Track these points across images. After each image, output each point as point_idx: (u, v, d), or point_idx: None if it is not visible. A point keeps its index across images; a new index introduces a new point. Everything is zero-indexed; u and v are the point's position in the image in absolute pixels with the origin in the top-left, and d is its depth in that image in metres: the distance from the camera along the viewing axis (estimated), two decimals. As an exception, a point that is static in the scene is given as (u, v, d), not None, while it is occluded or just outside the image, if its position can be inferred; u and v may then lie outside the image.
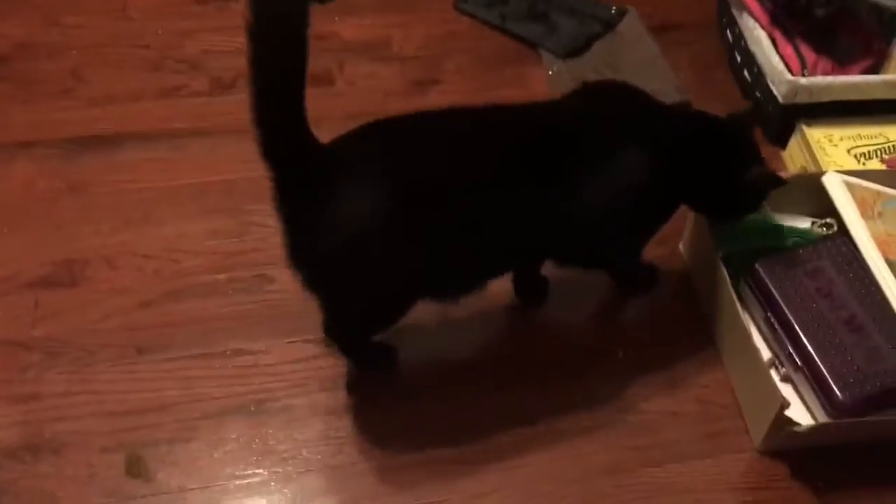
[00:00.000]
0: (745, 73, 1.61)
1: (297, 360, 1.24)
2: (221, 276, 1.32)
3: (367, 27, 1.75)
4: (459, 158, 1.05)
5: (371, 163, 1.04)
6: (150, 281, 1.31)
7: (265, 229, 1.39)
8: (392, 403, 1.20)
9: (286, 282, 1.31)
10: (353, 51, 1.69)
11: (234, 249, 1.36)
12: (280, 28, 0.96)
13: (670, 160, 1.14)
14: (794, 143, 1.53)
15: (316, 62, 1.70)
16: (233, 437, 1.16)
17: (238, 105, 1.55)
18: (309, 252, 1.05)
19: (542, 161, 1.07)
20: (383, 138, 1.06)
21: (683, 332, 1.30)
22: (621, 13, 1.78)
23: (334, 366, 1.23)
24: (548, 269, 1.32)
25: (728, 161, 1.17)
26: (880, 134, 1.51)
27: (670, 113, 1.21)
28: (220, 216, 1.40)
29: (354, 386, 1.21)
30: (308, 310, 1.28)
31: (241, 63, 1.61)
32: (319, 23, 1.73)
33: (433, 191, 1.02)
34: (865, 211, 1.31)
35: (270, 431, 1.16)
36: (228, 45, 1.67)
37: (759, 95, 1.56)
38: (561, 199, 1.08)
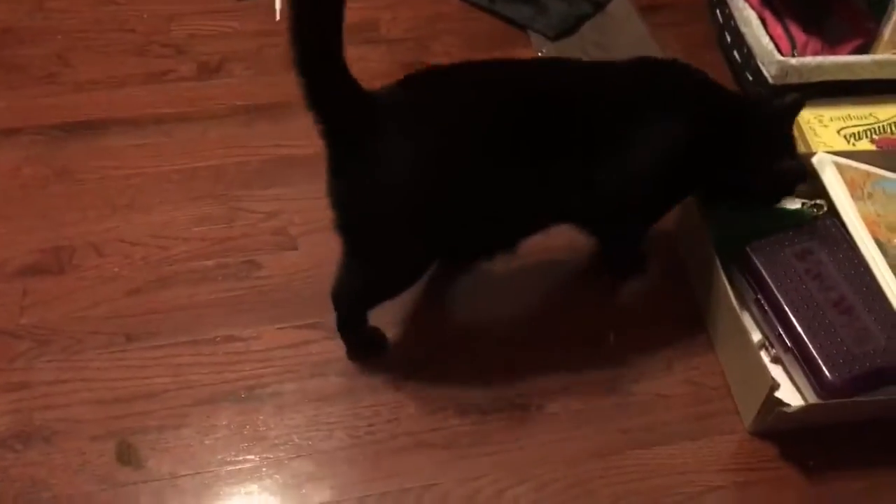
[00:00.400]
0: (735, 53, 1.61)
1: (287, 346, 1.23)
2: (210, 263, 1.32)
3: (354, 9, 1.71)
4: (500, 110, 1.06)
5: (413, 111, 1.05)
6: (138, 268, 1.30)
7: (254, 215, 1.39)
8: (382, 389, 1.20)
9: (275, 268, 1.32)
10: (340, 33, 1.68)
11: (223, 235, 1.35)
12: None
13: (707, 136, 1.15)
14: (784, 123, 1.53)
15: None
16: (223, 423, 1.15)
17: (225, 89, 1.57)
18: (349, 192, 1.07)
19: (582, 119, 1.09)
20: (427, 87, 1.07)
21: (674, 315, 1.31)
22: (611, -6, 1.77)
23: (324, 352, 1.23)
24: (538, 255, 1.33)
25: (761, 149, 1.18)
26: (870, 114, 1.51)
27: (717, 92, 1.22)
28: (208, 202, 1.40)
29: (344, 372, 1.21)
30: (297, 296, 1.29)
31: (226, 46, 1.64)
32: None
33: (474, 140, 1.04)
34: (855, 192, 1.30)
35: (261, 417, 1.16)
36: (214, 29, 1.66)
37: (748, 76, 1.56)
38: (597, 159, 1.10)
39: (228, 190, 1.41)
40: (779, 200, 1.26)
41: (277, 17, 1.69)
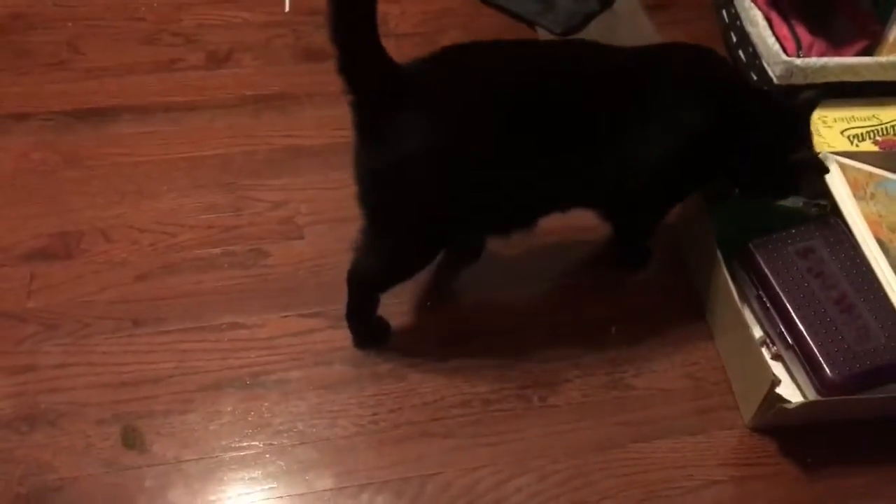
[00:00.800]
0: (741, 53, 1.61)
1: (293, 334, 1.24)
2: (216, 251, 1.33)
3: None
4: (524, 89, 1.07)
5: (437, 85, 1.06)
6: (145, 254, 1.31)
7: (260, 203, 1.40)
8: (386, 378, 1.21)
9: (281, 256, 1.33)
10: (349, 27, 1.69)
11: (230, 223, 1.36)
12: None
13: (727, 123, 1.16)
14: (788, 123, 1.54)
15: (312, 39, 1.71)
16: (228, 409, 1.16)
17: (233, 79, 1.58)
18: (371, 162, 1.08)
19: (604, 101, 1.10)
20: (455, 63, 1.08)
21: (675, 310, 1.32)
22: (618, -9, 1.78)
23: (329, 340, 1.24)
24: (540, 248, 1.34)
25: (777, 139, 1.19)
26: (874, 116, 1.52)
27: (739, 81, 1.25)
28: (215, 190, 1.40)
29: (349, 360, 1.22)
30: (303, 285, 1.30)
31: (235, 36, 1.64)
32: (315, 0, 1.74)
33: (496, 117, 1.05)
34: (857, 192, 1.31)
35: (266, 405, 1.17)
36: (223, 19, 1.67)
37: (753, 76, 1.57)
38: (618, 140, 1.11)
39: (236, 179, 1.42)
40: (792, 193, 1.28)
41: (287, 8, 1.70)
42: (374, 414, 1.17)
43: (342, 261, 1.31)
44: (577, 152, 1.10)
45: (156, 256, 1.31)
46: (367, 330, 1.24)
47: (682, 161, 1.16)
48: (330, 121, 1.48)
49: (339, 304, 1.26)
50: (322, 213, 1.38)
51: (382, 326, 1.25)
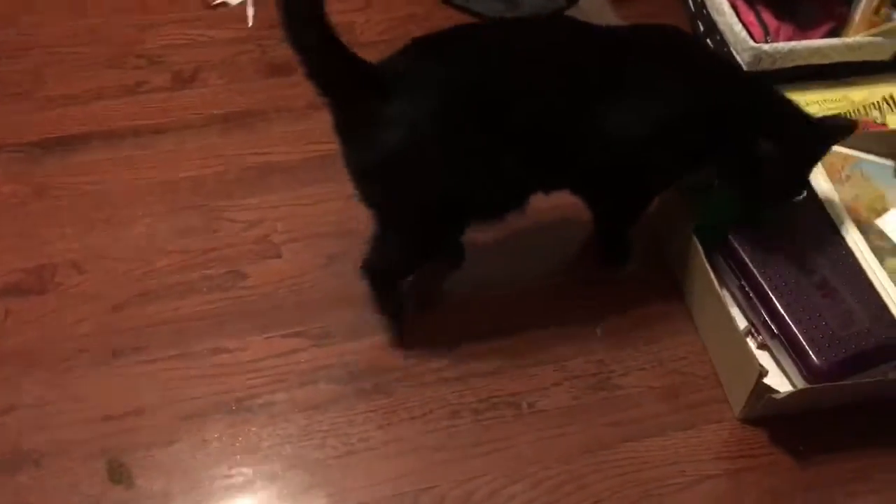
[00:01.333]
0: (709, 41, 1.61)
1: (276, 356, 1.23)
2: (194, 275, 1.31)
3: (329, 13, 1.73)
4: (506, 70, 1.07)
5: (417, 75, 1.06)
6: (121, 283, 1.29)
7: (236, 224, 1.38)
8: (373, 394, 1.20)
9: (259, 276, 1.32)
10: (316, 38, 1.67)
11: (205, 247, 1.34)
12: None
13: (710, 108, 1.15)
14: (760, 109, 1.54)
15: (277, 53, 1.69)
16: (215, 436, 1.15)
17: (200, 98, 1.56)
18: (361, 164, 1.08)
19: (587, 79, 1.10)
20: (434, 51, 1.08)
21: (660, 305, 1.31)
22: (583, -14, 1.77)
23: (313, 359, 1.22)
24: (521, 252, 1.33)
25: (746, 128, 1.16)
26: (844, 97, 1.53)
27: (722, 69, 1.24)
28: (189, 213, 1.38)
29: (334, 379, 1.21)
30: (284, 304, 1.28)
31: (200, 55, 1.62)
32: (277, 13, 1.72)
33: (481, 101, 1.05)
34: (834, 175, 1.32)
35: (253, 429, 1.16)
36: (187, 38, 1.65)
37: (723, 64, 1.56)
38: (600, 117, 1.10)
39: (209, 200, 1.40)
40: (778, 203, 1.25)
41: (250, 24, 1.68)
42: (364, 431, 1.16)
43: (321, 277, 1.31)
44: (559, 130, 1.10)
45: (132, 285, 1.29)
46: (394, 300, 1.25)
47: (665, 142, 1.15)
48: (299, 135, 1.47)
49: (321, 322, 1.25)
50: (298, 230, 1.36)
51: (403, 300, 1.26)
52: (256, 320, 1.26)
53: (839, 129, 1.23)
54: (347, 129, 1.08)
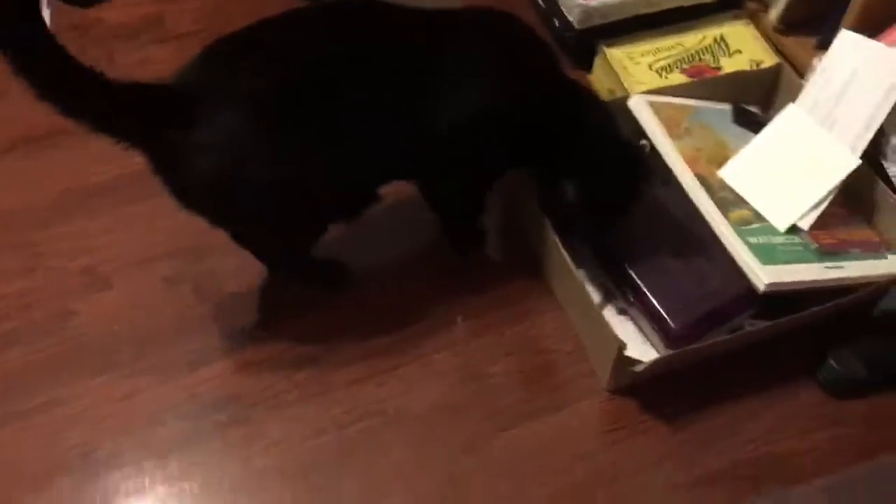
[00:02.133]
0: (541, 2, 1.57)
1: (118, 399, 1.13)
2: (15, 323, 1.19)
3: (134, 6, 1.60)
4: (310, 67, 1.00)
5: (217, 92, 0.98)
6: (-70, 345, 1.16)
7: (57, 259, 1.26)
8: (228, 426, 1.12)
9: (90, 312, 1.22)
10: (122, 36, 1.54)
11: (25, 288, 1.23)
12: None
13: (528, 103, 1.12)
14: (597, 65, 1.51)
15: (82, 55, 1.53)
16: (65, 502, 1.05)
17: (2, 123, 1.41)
18: (188, 194, 1.02)
19: (400, 69, 1.05)
20: (226, 62, 1.01)
21: (521, 286, 1.28)
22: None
23: (159, 397, 1.14)
24: (369, 246, 1.27)
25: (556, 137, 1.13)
26: (678, 44, 1.51)
27: (545, 65, 1.18)
28: (2, 254, 1.26)
29: (183, 415, 1.13)
30: (120, 340, 1.19)
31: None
32: (78, 13, 1.57)
33: (289, 105, 0.98)
34: (673, 130, 1.30)
35: (104, 485, 1.07)
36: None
37: (556, 22, 1.53)
38: (416, 108, 1.06)
39: (24, 236, 1.27)
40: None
41: (49, 25, 1.52)
42: (222, 468, 1.09)
43: (158, 304, 1.22)
44: (374, 123, 1.04)
45: (-55, 344, 1.16)
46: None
47: (479, 134, 1.10)
48: (115, 150, 1.33)
49: (164, 355, 1.17)
50: (127, 256, 1.26)
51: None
52: (92, 362, 1.16)
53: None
54: (158, 166, 1.00)
